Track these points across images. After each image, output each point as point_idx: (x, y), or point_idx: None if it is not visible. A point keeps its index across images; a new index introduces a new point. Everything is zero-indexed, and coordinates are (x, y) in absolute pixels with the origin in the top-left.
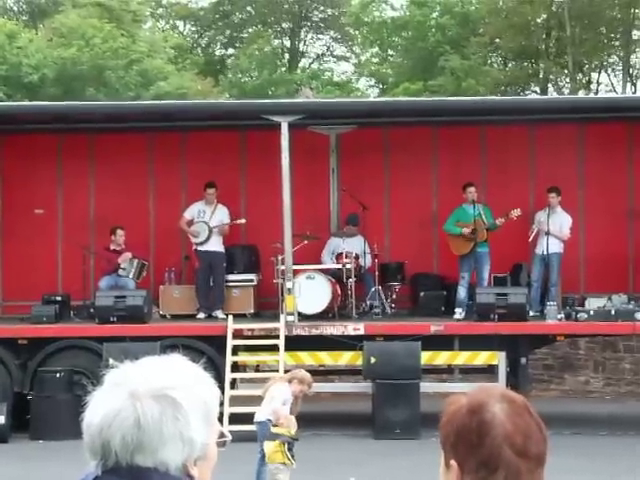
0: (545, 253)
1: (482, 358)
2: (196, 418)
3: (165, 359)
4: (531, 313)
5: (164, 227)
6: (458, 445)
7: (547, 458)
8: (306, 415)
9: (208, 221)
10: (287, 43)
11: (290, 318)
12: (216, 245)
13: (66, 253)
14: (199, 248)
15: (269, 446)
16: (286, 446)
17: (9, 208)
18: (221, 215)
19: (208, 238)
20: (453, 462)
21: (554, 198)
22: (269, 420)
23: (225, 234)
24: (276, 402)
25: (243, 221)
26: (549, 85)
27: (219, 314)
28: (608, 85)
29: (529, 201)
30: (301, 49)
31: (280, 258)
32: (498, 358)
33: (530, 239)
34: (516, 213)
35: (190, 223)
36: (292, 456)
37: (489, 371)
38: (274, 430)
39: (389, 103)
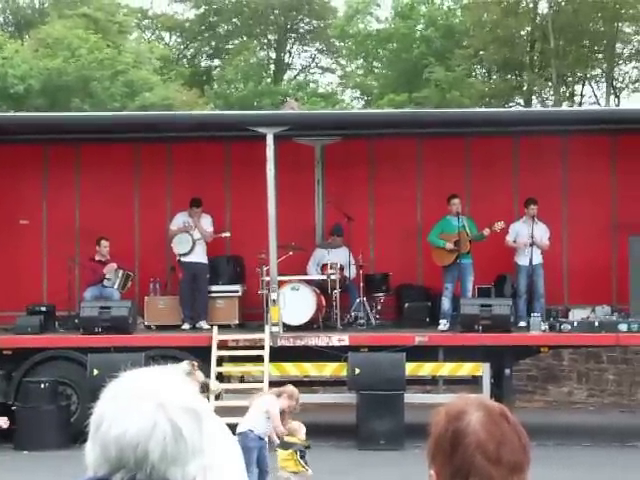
0: (530, 265)
1: (466, 369)
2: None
3: (161, 370)
4: (522, 324)
5: (149, 238)
6: (436, 455)
7: (530, 469)
8: None
9: (192, 232)
10: (273, 54)
11: (275, 329)
12: (200, 256)
13: (51, 264)
14: (183, 259)
15: (281, 455)
16: (298, 454)
17: None
18: (205, 224)
19: (192, 249)
20: (432, 472)
21: (534, 209)
22: (250, 430)
23: (209, 240)
24: (275, 419)
25: (228, 234)
26: (533, 97)
27: (204, 325)
28: (592, 97)
29: (513, 213)
30: (287, 61)
31: (265, 269)
32: (482, 369)
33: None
34: (500, 226)
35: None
36: (306, 463)
37: (473, 382)
38: (286, 439)
39: (374, 115)
